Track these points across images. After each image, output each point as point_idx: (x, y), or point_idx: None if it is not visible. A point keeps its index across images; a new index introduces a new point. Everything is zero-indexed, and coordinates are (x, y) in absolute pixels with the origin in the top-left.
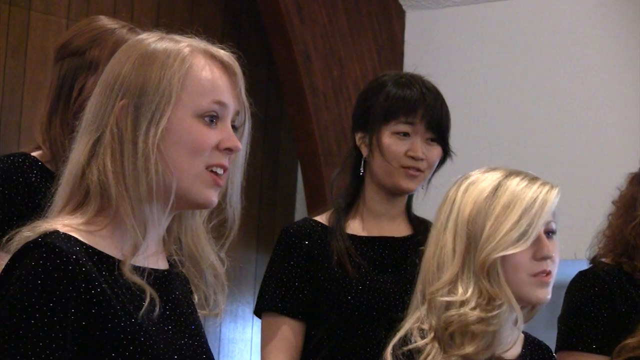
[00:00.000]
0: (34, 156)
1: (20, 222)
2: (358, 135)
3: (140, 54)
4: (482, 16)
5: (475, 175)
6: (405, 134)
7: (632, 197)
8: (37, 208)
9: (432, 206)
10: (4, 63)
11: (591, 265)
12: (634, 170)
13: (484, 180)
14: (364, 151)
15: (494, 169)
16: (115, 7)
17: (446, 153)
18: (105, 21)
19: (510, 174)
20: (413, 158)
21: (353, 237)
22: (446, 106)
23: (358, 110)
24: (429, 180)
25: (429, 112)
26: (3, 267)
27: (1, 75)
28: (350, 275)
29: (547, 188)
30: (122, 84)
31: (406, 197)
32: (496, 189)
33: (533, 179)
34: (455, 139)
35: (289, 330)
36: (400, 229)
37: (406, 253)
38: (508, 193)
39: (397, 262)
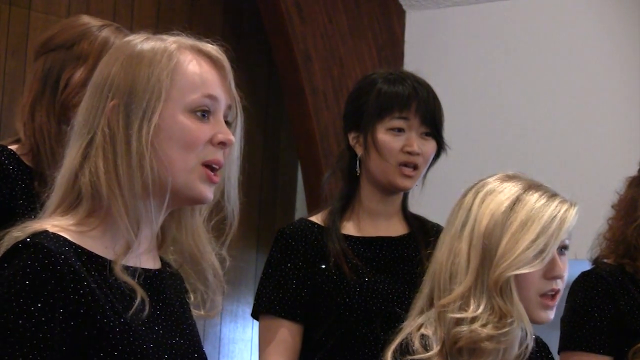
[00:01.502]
0: (11, 149)
1: None
2: (351, 135)
3: (128, 55)
4: (482, 16)
5: (492, 183)
6: (400, 130)
7: (632, 199)
8: (14, 200)
9: (428, 201)
10: (4, 63)
11: (593, 266)
12: (634, 170)
13: (501, 192)
14: (359, 150)
15: (511, 178)
16: (115, 7)
17: (440, 147)
18: (90, 19)
19: (530, 187)
20: (409, 153)
21: (349, 238)
22: (438, 100)
23: (349, 110)
24: (424, 176)
25: (423, 106)
26: None
27: (1, 75)
28: (347, 277)
29: (565, 206)
30: (111, 84)
31: (401, 195)
32: (514, 203)
33: (553, 196)
34: (454, 138)
35: (286, 333)
36: (396, 228)
37: (403, 252)
38: (527, 209)
39: (394, 262)
